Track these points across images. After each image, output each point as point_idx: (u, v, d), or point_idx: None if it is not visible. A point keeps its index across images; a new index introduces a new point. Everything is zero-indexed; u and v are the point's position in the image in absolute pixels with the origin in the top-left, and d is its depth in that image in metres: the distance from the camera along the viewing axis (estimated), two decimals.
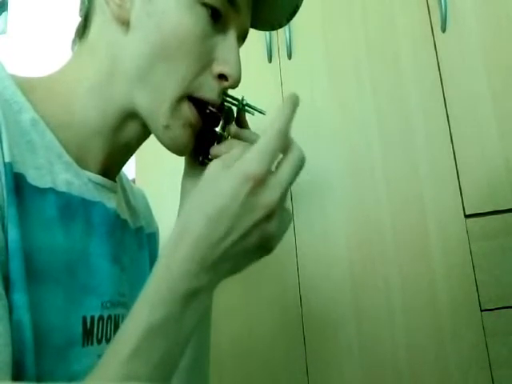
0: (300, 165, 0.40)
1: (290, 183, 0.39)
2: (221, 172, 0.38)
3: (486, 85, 1.04)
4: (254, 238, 0.38)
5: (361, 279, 1.02)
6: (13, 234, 0.37)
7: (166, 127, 0.47)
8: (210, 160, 0.48)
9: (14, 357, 0.36)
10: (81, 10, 0.51)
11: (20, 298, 0.37)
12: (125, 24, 0.46)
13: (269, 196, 0.37)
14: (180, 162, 0.54)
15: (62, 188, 0.44)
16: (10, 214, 0.38)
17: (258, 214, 0.37)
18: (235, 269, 0.39)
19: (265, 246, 0.39)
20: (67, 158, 0.45)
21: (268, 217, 0.37)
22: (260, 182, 0.37)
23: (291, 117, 0.40)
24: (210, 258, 0.37)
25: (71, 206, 0.45)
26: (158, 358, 0.36)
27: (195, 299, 0.37)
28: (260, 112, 0.51)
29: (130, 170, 1.09)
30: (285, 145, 0.40)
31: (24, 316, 0.37)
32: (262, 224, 0.37)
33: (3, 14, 1.68)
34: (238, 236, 0.37)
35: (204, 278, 0.37)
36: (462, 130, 1.04)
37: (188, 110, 0.47)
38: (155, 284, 0.38)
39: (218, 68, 0.47)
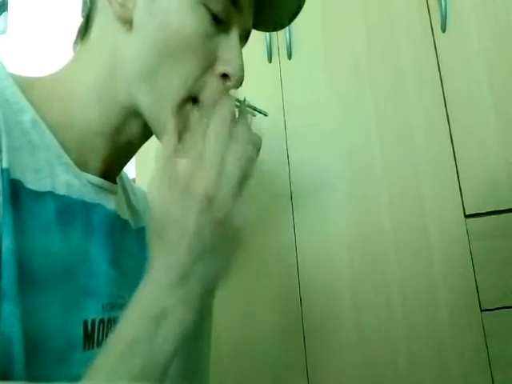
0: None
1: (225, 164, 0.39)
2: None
3: (486, 85, 1.04)
4: (205, 231, 0.38)
5: (361, 279, 1.02)
6: (7, 243, 0.37)
7: None
8: None
9: (0, 370, 0.35)
10: (83, 10, 0.51)
11: (10, 308, 0.36)
12: (127, 24, 0.46)
13: (200, 182, 0.38)
14: None
15: (61, 191, 0.44)
16: (5, 222, 0.37)
17: (196, 203, 0.37)
18: (209, 274, 0.39)
19: (225, 237, 0.39)
20: (67, 159, 0.45)
21: (209, 202, 0.38)
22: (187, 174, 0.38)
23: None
24: (173, 273, 0.38)
25: (70, 209, 0.44)
26: (135, 375, 0.36)
27: (167, 318, 0.37)
28: (262, 113, 0.51)
29: (130, 170, 1.08)
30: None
31: (13, 327, 0.36)
32: (206, 211, 0.38)
33: (3, 14, 1.68)
34: (188, 238, 0.38)
35: (172, 296, 0.37)
36: (462, 130, 1.04)
37: (191, 112, 0.47)
38: (130, 307, 0.39)
39: (220, 68, 0.47)
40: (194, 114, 0.45)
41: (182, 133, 0.45)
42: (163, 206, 0.39)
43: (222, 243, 0.39)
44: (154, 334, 0.37)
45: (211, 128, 0.41)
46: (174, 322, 0.37)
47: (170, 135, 0.43)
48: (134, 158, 0.56)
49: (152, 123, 0.48)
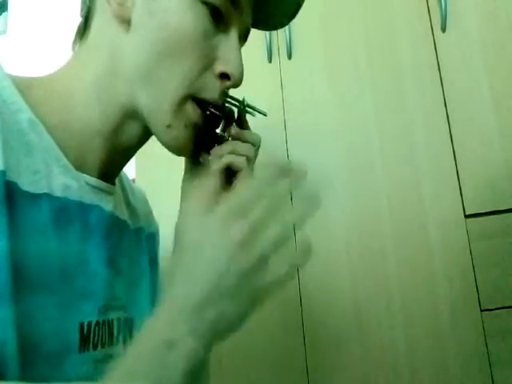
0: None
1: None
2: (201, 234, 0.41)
3: (486, 85, 1.04)
4: (231, 276, 0.38)
5: (361, 279, 1.02)
6: (1, 245, 0.37)
7: (169, 126, 0.46)
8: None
9: None
10: (82, 9, 0.51)
11: (4, 311, 0.36)
12: (126, 23, 0.46)
13: (240, 227, 0.38)
14: (180, 162, 0.54)
15: (57, 193, 0.43)
16: (0, 224, 0.37)
17: (232, 246, 0.38)
18: (223, 318, 0.38)
19: (248, 289, 0.39)
20: (65, 160, 0.45)
21: (244, 250, 0.38)
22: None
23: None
24: (189, 303, 0.38)
25: (67, 211, 0.44)
26: None
27: (177, 347, 0.37)
28: (261, 113, 0.51)
29: (129, 170, 1.09)
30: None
31: (7, 330, 0.36)
32: (238, 258, 0.38)
33: (3, 14, 1.68)
34: (213, 276, 0.38)
35: (185, 325, 0.37)
36: (461, 130, 1.04)
37: (192, 111, 0.47)
38: (142, 331, 0.39)
39: (219, 67, 0.47)
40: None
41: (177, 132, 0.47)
42: (197, 237, 0.40)
43: (244, 294, 0.38)
44: (162, 360, 0.36)
45: (266, 187, 0.41)
46: (184, 352, 0.37)
47: (216, 170, 0.45)
48: (134, 158, 0.56)
49: (151, 121, 0.47)
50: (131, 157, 0.54)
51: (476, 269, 0.97)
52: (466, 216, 1.00)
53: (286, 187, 0.41)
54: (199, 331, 0.37)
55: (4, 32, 1.66)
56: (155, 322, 0.38)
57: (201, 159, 0.51)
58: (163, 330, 0.37)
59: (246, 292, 0.38)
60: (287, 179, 0.42)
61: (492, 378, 0.92)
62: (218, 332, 0.39)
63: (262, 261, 0.38)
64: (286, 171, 0.43)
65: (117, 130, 0.49)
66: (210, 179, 0.45)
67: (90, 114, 0.47)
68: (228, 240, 0.38)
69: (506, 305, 0.94)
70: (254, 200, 0.40)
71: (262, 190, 0.41)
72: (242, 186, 0.43)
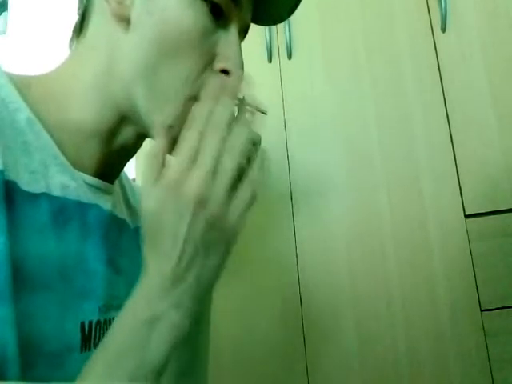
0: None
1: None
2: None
3: (486, 84, 1.04)
4: (197, 234, 0.37)
5: (361, 279, 1.02)
6: (0, 244, 0.36)
7: (170, 127, 0.45)
8: None
9: None
10: (79, 7, 0.50)
11: (3, 311, 0.36)
12: (124, 22, 0.45)
13: (192, 183, 0.37)
14: None
15: (56, 192, 0.43)
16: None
17: (187, 206, 0.37)
18: (202, 277, 0.38)
19: (218, 239, 0.38)
20: (63, 159, 0.44)
21: (201, 204, 0.37)
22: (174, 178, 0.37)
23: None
24: (165, 278, 0.37)
25: (66, 211, 0.44)
26: (126, 380, 0.36)
27: (159, 323, 0.37)
28: (261, 112, 0.51)
29: (129, 170, 1.08)
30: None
31: (6, 330, 0.36)
32: (197, 214, 0.37)
33: (3, 14, 1.68)
34: (180, 243, 0.37)
35: (165, 301, 0.37)
36: (461, 130, 1.04)
37: None
38: (122, 311, 0.39)
39: (219, 64, 0.46)
40: (192, 111, 0.44)
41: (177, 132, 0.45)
42: (154, 210, 0.39)
43: (214, 244, 0.38)
44: (146, 339, 0.37)
45: (207, 125, 0.40)
46: (167, 327, 0.37)
47: (161, 134, 0.42)
48: (134, 158, 0.55)
49: (149, 122, 0.47)
50: (130, 157, 0.54)
51: (476, 269, 0.97)
52: (466, 216, 1.00)
53: (226, 113, 0.40)
54: (181, 301, 0.38)
55: (4, 32, 1.66)
56: (134, 303, 0.38)
57: None
58: (144, 309, 0.37)
59: (216, 241, 0.38)
60: (228, 105, 0.41)
61: (492, 378, 0.91)
62: (201, 293, 0.39)
63: (224, 204, 0.38)
64: (229, 91, 0.41)
65: (113, 130, 0.48)
66: (156, 144, 0.42)
67: (87, 113, 0.47)
68: (183, 200, 0.37)
69: (506, 305, 0.93)
70: (199, 147, 0.39)
71: (205, 133, 0.39)
72: (185, 138, 0.40)
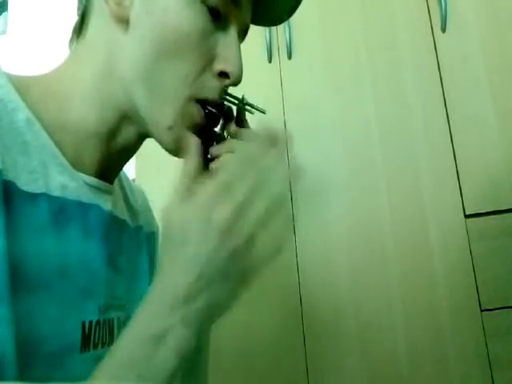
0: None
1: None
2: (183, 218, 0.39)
3: (486, 84, 1.04)
4: (219, 259, 0.37)
5: (361, 279, 1.02)
6: None
7: (170, 128, 0.46)
8: (210, 160, 0.47)
9: None
10: (78, 8, 0.50)
11: (2, 311, 0.36)
12: (124, 22, 0.45)
13: (223, 208, 0.37)
14: (180, 161, 0.54)
15: (55, 192, 0.43)
16: None
17: (215, 229, 0.37)
18: (214, 302, 0.38)
19: (238, 269, 0.38)
20: (62, 160, 0.44)
21: (228, 231, 0.37)
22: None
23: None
24: (178, 293, 0.37)
25: (65, 211, 0.44)
26: None
27: (166, 338, 0.37)
28: (260, 111, 0.51)
29: (130, 170, 1.09)
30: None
31: (5, 330, 0.36)
32: (223, 240, 0.37)
33: (3, 14, 1.68)
34: (200, 264, 0.37)
35: (174, 316, 0.37)
36: (461, 130, 1.04)
37: (196, 112, 0.46)
38: (131, 324, 0.38)
39: (219, 66, 0.46)
40: (228, 142, 0.45)
41: (177, 133, 0.45)
42: (180, 225, 0.39)
43: (232, 277, 0.38)
44: (152, 353, 0.36)
45: (248, 161, 0.40)
46: (175, 342, 0.37)
47: (194, 152, 0.42)
48: (134, 158, 0.55)
49: (149, 122, 0.47)
50: (130, 157, 0.54)
51: (476, 269, 0.97)
52: (466, 216, 1.00)
53: (271, 160, 0.40)
54: (190, 320, 0.37)
55: (4, 32, 1.66)
56: (143, 315, 0.38)
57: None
58: (152, 323, 0.37)
59: (234, 275, 0.38)
60: (274, 150, 0.40)
61: (492, 378, 0.91)
62: (209, 318, 0.39)
63: (249, 241, 0.38)
64: (273, 141, 0.41)
65: (113, 130, 0.48)
66: (189, 162, 0.42)
67: (87, 114, 0.47)
68: (212, 225, 0.37)
69: (506, 305, 0.94)
70: (236, 178, 0.39)
71: (244, 167, 0.39)
72: (224, 165, 0.41)
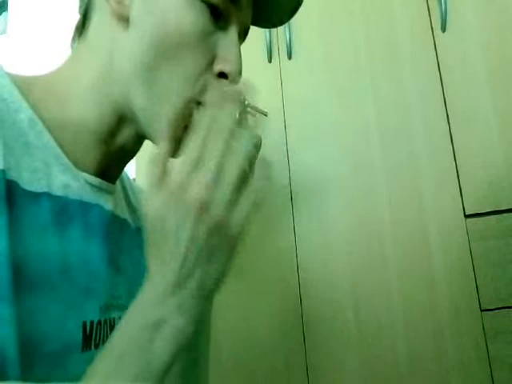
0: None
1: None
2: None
3: (486, 84, 1.04)
4: (200, 238, 0.37)
5: (361, 279, 1.02)
6: (1, 244, 0.36)
7: (170, 129, 0.46)
8: None
9: None
10: (80, 7, 0.50)
11: (4, 310, 0.36)
12: (124, 21, 0.45)
13: (195, 187, 0.37)
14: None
15: (58, 192, 0.43)
16: (0, 223, 0.37)
17: (190, 210, 0.37)
18: (205, 281, 0.38)
19: (221, 243, 0.38)
20: (64, 159, 0.44)
21: (204, 208, 0.36)
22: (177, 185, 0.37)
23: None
24: (168, 282, 0.37)
25: (68, 210, 0.44)
26: (131, 381, 0.36)
27: (163, 326, 0.37)
28: (262, 113, 0.51)
29: (130, 170, 1.09)
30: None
31: (7, 329, 0.36)
32: (200, 218, 0.37)
33: (3, 14, 1.68)
34: (183, 247, 0.37)
35: (168, 304, 0.37)
36: (461, 130, 1.04)
37: (196, 114, 0.45)
38: (126, 315, 0.39)
39: (218, 66, 0.46)
40: (195, 115, 0.44)
41: (180, 136, 0.44)
42: (157, 214, 0.38)
43: (217, 250, 0.38)
44: (149, 342, 0.36)
45: (211, 131, 0.39)
46: (171, 331, 0.37)
47: (165, 137, 0.41)
48: (134, 158, 0.55)
49: (148, 123, 0.46)
50: (131, 157, 0.54)
51: (476, 269, 0.97)
52: (466, 216, 1.00)
53: (234, 120, 0.39)
54: (184, 306, 0.37)
55: (4, 32, 1.66)
56: (138, 305, 0.38)
57: None
58: (148, 313, 0.37)
59: (220, 246, 0.38)
60: (234, 108, 0.40)
61: (492, 378, 0.91)
62: (203, 298, 0.39)
63: (228, 208, 0.37)
64: (233, 99, 0.41)
65: (113, 130, 0.48)
66: (159, 147, 0.41)
67: (87, 113, 0.47)
68: (186, 206, 0.37)
69: (506, 305, 0.93)
70: (203, 151, 0.38)
71: (208, 137, 0.39)
72: (189, 142, 0.40)
